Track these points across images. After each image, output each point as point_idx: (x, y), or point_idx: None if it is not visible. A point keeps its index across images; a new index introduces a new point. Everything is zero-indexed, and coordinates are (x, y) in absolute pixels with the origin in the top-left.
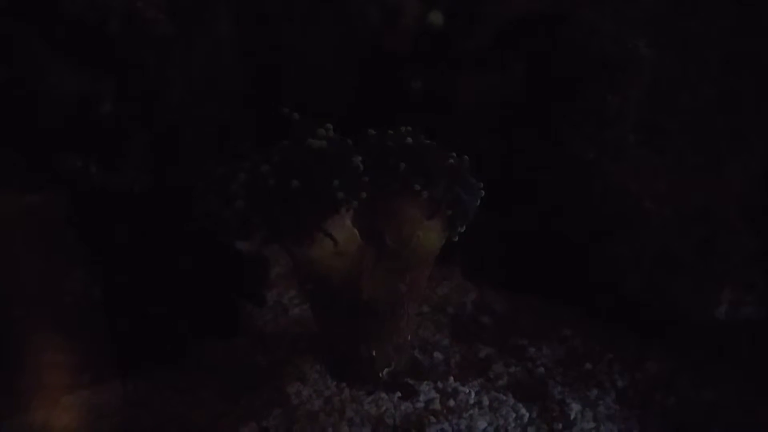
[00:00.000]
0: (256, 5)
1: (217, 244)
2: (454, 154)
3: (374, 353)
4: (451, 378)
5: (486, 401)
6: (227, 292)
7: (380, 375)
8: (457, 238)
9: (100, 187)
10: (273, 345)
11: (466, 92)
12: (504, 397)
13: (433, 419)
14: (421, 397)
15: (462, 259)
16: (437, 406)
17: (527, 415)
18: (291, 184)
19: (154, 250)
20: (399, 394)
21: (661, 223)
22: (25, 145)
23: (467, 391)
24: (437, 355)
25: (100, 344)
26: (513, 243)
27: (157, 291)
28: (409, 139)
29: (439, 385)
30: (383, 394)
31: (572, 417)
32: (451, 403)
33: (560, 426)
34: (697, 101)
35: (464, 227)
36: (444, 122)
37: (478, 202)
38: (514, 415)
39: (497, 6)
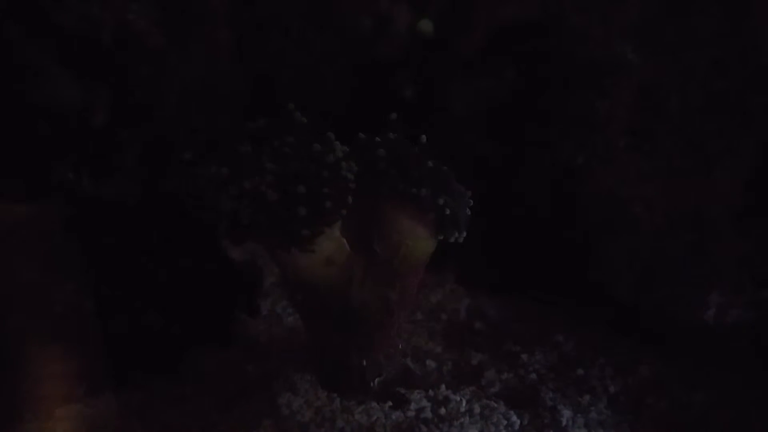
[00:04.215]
0: (251, 15)
1: (211, 254)
2: (432, 160)
3: (365, 362)
4: (443, 386)
5: (477, 409)
6: (221, 302)
7: (371, 384)
8: (453, 240)
9: (94, 198)
10: (266, 355)
11: (457, 99)
12: (495, 405)
13: (424, 428)
14: (412, 406)
15: (455, 266)
16: (428, 414)
17: (518, 422)
18: (280, 193)
19: (147, 260)
20: (390, 403)
21: (651, 228)
22: (19, 156)
23: (458, 399)
24: (429, 363)
25: (94, 355)
26: (506, 249)
27: (150, 301)
28: (398, 146)
29: (431, 393)
30: (374, 404)
31: (563, 423)
32: (442, 411)
33: None
34: (685, 105)
35: (456, 235)
36: (435, 128)
37: (467, 210)
38: (505, 422)
39: (487, 13)
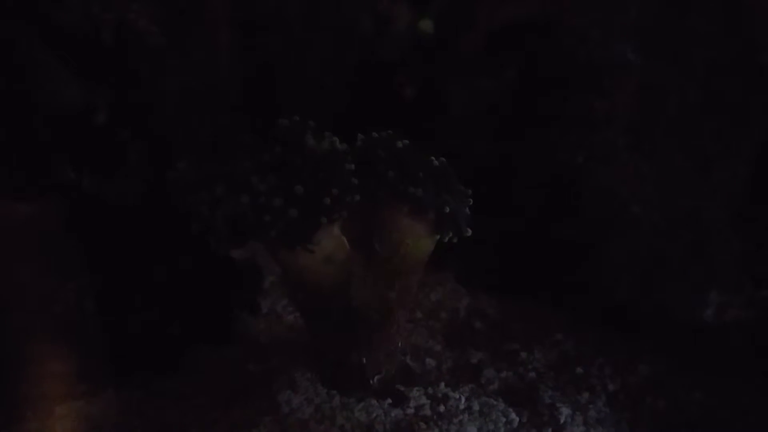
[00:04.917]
0: (251, 15)
1: (211, 253)
2: (433, 158)
3: (365, 360)
4: (442, 384)
5: (476, 406)
6: (221, 300)
7: (371, 382)
8: (457, 238)
9: (94, 198)
10: (266, 353)
11: (457, 98)
12: (494, 402)
13: (423, 425)
14: (412, 404)
15: (455, 265)
16: (427, 412)
17: (517, 419)
18: (281, 192)
19: (148, 258)
20: (390, 400)
21: (650, 227)
22: (20, 155)
23: (458, 396)
24: (429, 361)
25: (94, 354)
26: (505, 248)
27: (151, 300)
28: (397, 145)
29: (430, 391)
30: (374, 401)
31: (562, 421)
32: (441, 408)
33: (550, 430)
34: (685, 105)
35: (457, 235)
36: (436, 128)
37: (467, 209)
38: (504, 419)
39: (487, 13)
